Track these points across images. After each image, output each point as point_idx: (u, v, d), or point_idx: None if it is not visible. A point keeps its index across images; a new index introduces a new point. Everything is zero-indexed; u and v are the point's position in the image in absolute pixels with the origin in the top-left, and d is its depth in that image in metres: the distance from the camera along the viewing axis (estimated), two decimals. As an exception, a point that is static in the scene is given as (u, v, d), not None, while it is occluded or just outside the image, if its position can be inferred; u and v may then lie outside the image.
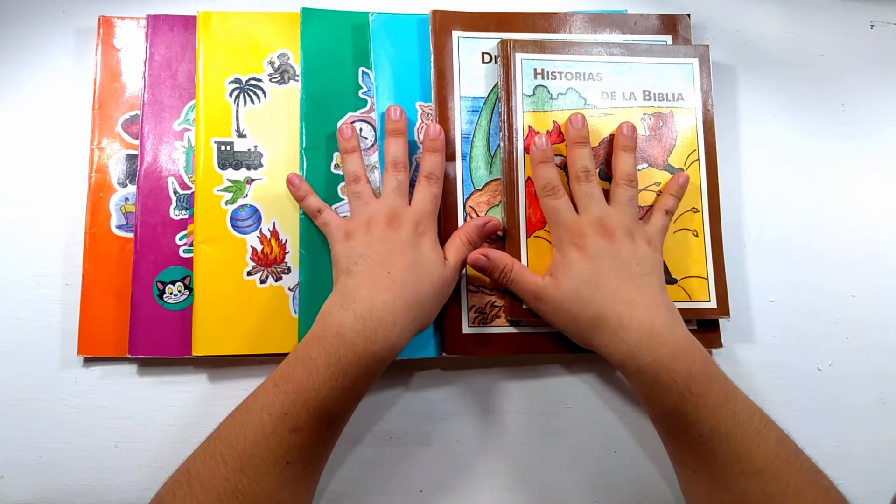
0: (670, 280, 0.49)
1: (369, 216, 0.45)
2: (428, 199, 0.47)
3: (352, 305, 0.41)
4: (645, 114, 0.51)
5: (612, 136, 0.50)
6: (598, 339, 0.43)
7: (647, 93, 0.51)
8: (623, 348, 0.41)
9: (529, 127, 0.50)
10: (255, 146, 0.50)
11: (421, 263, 0.44)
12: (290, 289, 0.49)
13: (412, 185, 0.48)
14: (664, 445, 0.42)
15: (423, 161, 0.48)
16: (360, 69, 0.52)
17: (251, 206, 0.50)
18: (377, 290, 0.41)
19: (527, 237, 0.48)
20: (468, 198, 0.50)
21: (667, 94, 0.51)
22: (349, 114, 0.51)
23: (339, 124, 0.50)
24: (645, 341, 0.40)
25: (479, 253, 0.46)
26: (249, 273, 0.49)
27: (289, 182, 0.49)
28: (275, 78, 0.52)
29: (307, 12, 0.52)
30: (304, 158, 0.50)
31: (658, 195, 0.50)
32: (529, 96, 0.50)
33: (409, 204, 0.47)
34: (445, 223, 0.49)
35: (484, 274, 0.47)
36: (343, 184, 0.50)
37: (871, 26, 0.60)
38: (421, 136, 0.51)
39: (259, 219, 0.50)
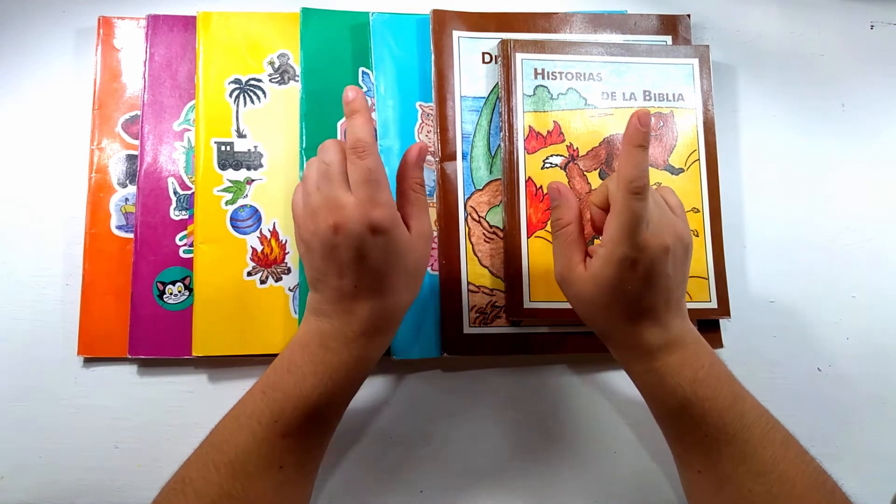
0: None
1: (313, 231, 0.38)
2: (362, 177, 0.37)
3: (328, 319, 0.39)
4: (645, 114, 0.51)
5: (612, 137, 0.50)
6: (607, 338, 0.42)
7: (647, 93, 0.51)
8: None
9: (530, 127, 0.50)
10: (255, 146, 0.50)
11: (385, 260, 0.38)
12: (290, 289, 0.49)
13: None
14: (668, 445, 0.42)
15: (348, 130, 0.39)
16: (360, 69, 0.52)
17: (251, 206, 0.50)
18: (346, 304, 0.38)
19: (527, 237, 0.48)
20: (469, 198, 0.50)
21: (667, 95, 0.51)
22: (349, 114, 0.51)
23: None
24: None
25: (558, 185, 0.43)
26: (249, 273, 0.49)
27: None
28: (275, 78, 0.52)
29: (307, 12, 0.52)
30: (305, 158, 0.50)
31: None
32: (530, 96, 0.50)
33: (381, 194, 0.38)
34: (446, 224, 0.49)
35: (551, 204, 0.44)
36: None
37: (871, 26, 0.60)
38: (421, 137, 0.51)
39: (259, 219, 0.49)
